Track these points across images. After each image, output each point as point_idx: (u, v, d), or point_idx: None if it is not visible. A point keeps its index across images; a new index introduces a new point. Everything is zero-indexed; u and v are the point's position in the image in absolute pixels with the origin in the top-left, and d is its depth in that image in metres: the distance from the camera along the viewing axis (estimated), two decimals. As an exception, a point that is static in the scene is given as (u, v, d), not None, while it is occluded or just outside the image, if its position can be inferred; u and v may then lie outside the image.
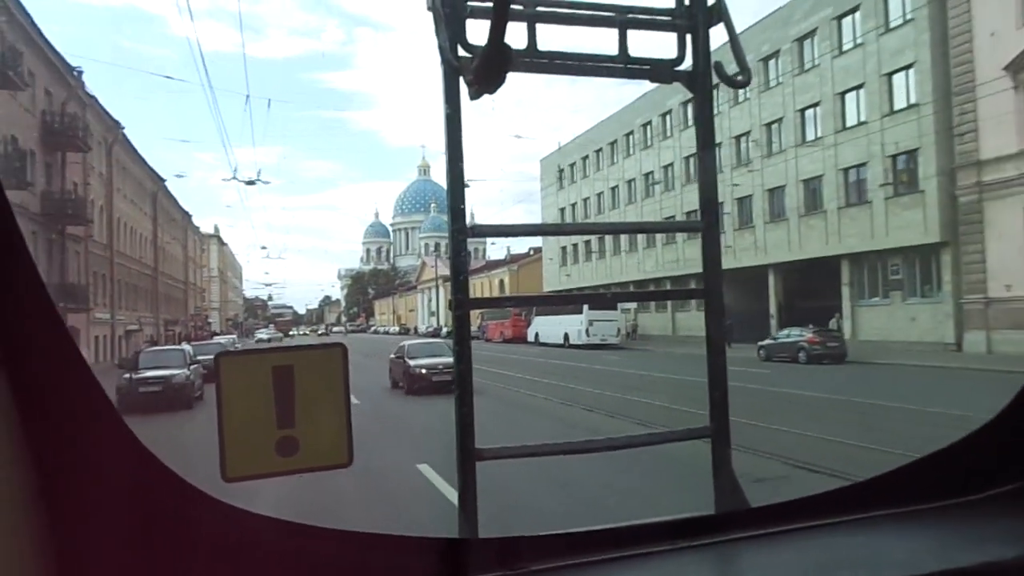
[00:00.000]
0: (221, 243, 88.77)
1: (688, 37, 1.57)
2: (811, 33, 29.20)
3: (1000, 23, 22.12)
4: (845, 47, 27.89)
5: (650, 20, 1.60)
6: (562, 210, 52.34)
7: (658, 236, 39.75)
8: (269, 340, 60.84)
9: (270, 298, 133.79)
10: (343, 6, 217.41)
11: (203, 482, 1.22)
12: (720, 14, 1.54)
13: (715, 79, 1.59)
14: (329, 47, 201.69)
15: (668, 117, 38.58)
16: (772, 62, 31.18)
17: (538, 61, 1.50)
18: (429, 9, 1.41)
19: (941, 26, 23.95)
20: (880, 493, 1.51)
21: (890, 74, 26.03)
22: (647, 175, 40.96)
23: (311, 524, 1.29)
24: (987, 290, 22.73)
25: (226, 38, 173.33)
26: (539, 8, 1.51)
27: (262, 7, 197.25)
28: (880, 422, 10.74)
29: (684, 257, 33.69)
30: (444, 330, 66.63)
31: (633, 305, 40.99)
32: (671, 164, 37.68)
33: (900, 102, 25.77)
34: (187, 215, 58.22)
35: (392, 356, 19.33)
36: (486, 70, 1.21)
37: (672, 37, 1.59)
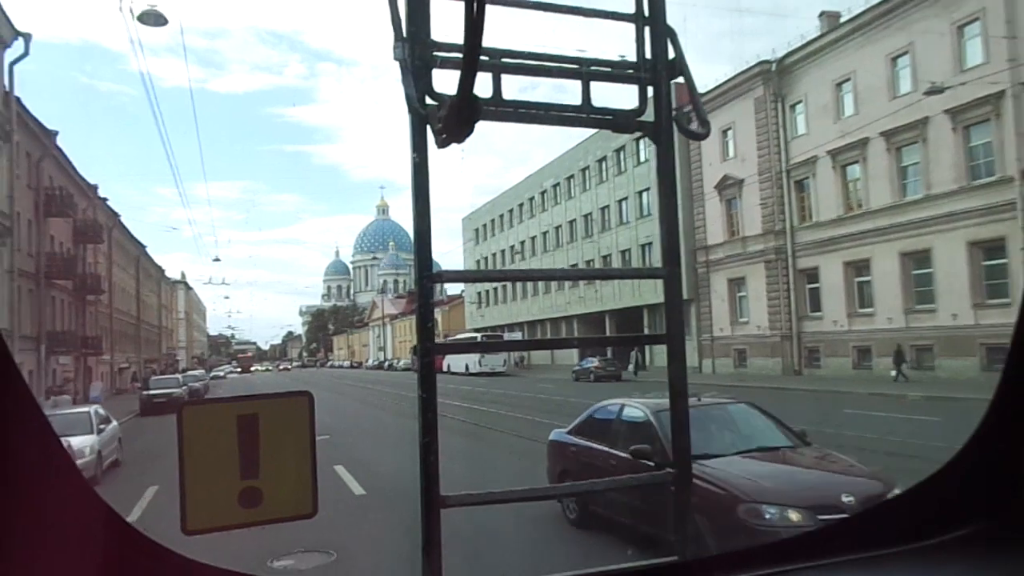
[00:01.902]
0: (187, 288, 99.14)
1: (650, 89, 1.63)
2: (622, 148, 41.88)
3: (714, 158, 34.74)
4: (643, 159, 40.54)
5: (613, 72, 1.65)
6: (480, 260, 64.45)
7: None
8: (225, 376, 68.59)
9: (233, 336, 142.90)
10: (306, 41, 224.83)
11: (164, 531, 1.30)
12: (680, 69, 1.61)
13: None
14: (291, 81, 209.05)
15: (571, 180, 50.05)
16: (602, 163, 43.82)
17: (503, 110, 1.53)
18: (396, 59, 1.43)
19: (686, 156, 36.61)
20: (842, 538, 1.58)
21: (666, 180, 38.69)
22: (557, 228, 52.90)
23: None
24: (712, 331, 35.06)
25: (186, 73, 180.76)
26: (505, 59, 1.54)
27: (222, 43, 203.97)
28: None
29: (589, 296, 45.47)
30: (387, 363, 78.57)
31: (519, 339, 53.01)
32: (573, 220, 49.55)
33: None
34: (160, 269, 69.24)
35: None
36: (455, 120, 1.24)
37: (633, 89, 1.63)
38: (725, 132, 33.94)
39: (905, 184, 25.95)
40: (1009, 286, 21.52)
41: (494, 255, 60.86)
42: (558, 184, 49.91)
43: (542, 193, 52.05)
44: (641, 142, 40.14)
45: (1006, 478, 1.41)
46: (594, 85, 1.61)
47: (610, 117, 1.64)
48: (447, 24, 1.42)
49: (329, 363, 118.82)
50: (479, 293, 63.83)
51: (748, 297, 33.00)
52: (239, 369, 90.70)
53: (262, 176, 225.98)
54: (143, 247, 55.46)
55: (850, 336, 27.60)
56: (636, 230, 40.99)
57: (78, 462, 10.37)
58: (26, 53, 24.50)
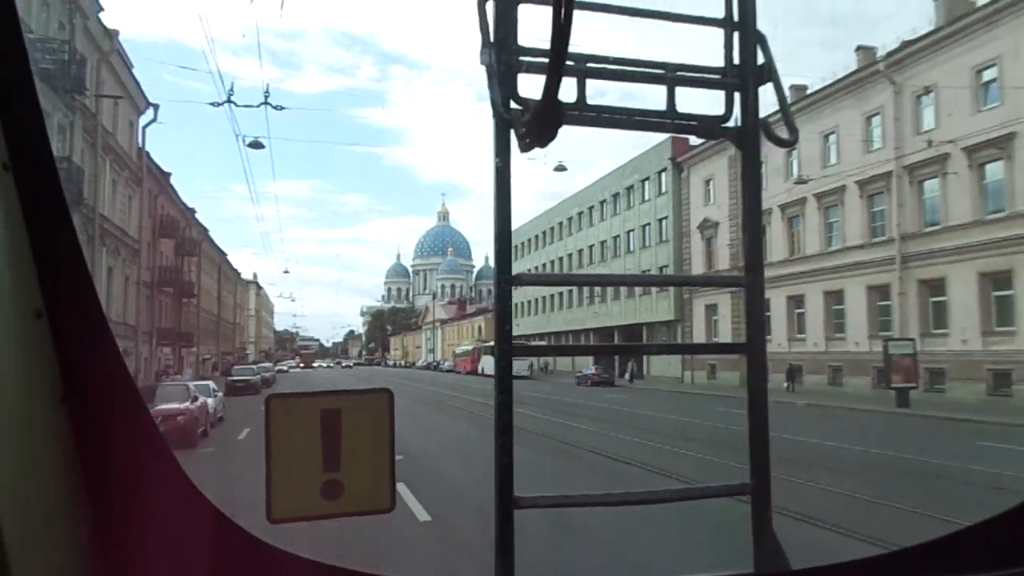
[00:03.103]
0: (258, 287, 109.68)
1: (736, 95, 1.62)
2: (631, 188, 49.09)
3: (698, 203, 41.74)
4: (648, 197, 47.63)
5: (699, 78, 1.64)
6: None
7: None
8: (288, 371, 74.95)
9: (297, 332, 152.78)
10: (379, 44, 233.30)
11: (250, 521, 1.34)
12: (769, 74, 1.60)
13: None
14: (364, 84, 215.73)
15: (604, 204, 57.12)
16: (616, 199, 51.14)
17: (587, 115, 1.55)
18: (482, 64, 1.46)
19: (679, 198, 43.64)
20: (928, 560, 1.53)
21: (660, 220, 45.78)
22: (579, 251, 60.31)
23: (354, 569, 1.39)
24: (693, 348, 42.08)
25: (265, 73, 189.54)
26: (590, 64, 1.55)
27: (299, 44, 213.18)
28: (603, 415, 29.79)
29: (602, 313, 52.68)
30: (435, 364, 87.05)
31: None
32: (592, 245, 56.94)
33: (665, 237, 45.47)
34: (237, 272, 79.19)
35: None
36: (539, 125, 1.26)
37: (720, 95, 1.63)
38: (707, 182, 41.00)
39: (830, 236, 32.77)
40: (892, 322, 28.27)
41: (527, 272, 68.45)
42: (581, 213, 57.34)
43: (569, 219, 59.53)
44: (646, 182, 47.59)
45: None
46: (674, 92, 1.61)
47: (695, 123, 1.65)
48: (532, 29, 1.42)
49: (385, 362, 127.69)
50: (516, 304, 71.63)
51: (719, 319, 39.88)
52: (301, 364, 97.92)
53: (332, 176, 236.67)
54: (224, 254, 65.13)
55: (788, 356, 34.36)
56: (639, 258, 48.05)
57: (206, 416, 17.77)
58: (155, 119, 33.37)
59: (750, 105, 1.61)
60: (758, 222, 1.68)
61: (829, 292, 32.28)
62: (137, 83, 31.78)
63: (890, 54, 29.23)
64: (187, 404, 15.43)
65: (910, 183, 28.46)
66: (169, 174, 39.56)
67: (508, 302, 1.52)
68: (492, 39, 1.46)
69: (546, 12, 1.06)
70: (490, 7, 1.47)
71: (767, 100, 1.69)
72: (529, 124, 1.31)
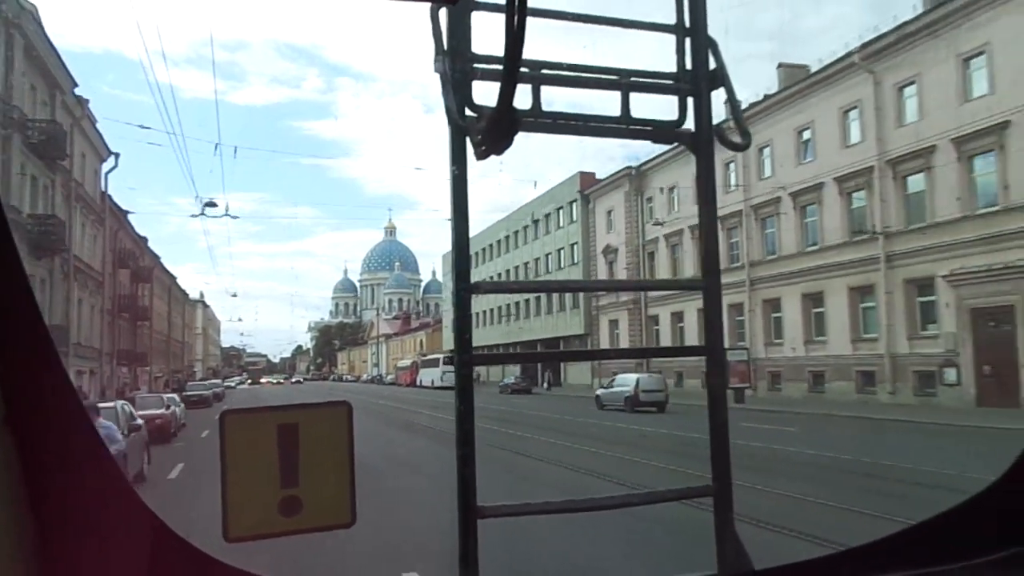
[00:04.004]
0: (204, 306, 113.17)
1: (689, 100, 1.65)
2: (548, 215, 55.29)
3: (602, 230, 48.03)
4: (562, 224, 53.83)
5: (652, 83, 1.67)
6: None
7: (543, 307, 63.07)
8: (235, 387, 74.95)
9: (244, 349, 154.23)
10: (324, 56, 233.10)
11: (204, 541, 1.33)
12: (721, 79, 1.64)
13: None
14: (309, 95, 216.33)
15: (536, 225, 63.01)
16: (537, 224, 57.27)
17: (542, 121, 1.57)
18: (436, 72, 1.46)
19: (586, 226, 49.91)
20: (884, 557, 1.57)
21: (572, 244, 52.05)
22: (507, 271, 66.17)
23: None
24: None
25: (206, 85, 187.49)
26: (544, 71, 1.58)
27: (241, 55, 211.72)
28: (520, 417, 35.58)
29: (552, 324, 58.33)
30: (379, 377, 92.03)
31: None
32: (517, 266, 62.82)
33: (577, 258, 51.72)
34: (185, 293, 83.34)
35: None
36: (494, 133, 1.28)
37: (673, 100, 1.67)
38: (609, 212, 47.36)
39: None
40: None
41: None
42: (508, 236, 63.36)
43: (497, 242, 65.51)
44: (560, 211, 53.84)
45: None
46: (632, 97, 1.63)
47: (649, 128, 1.67)
48: (486, 36, 1.45)
49: (332, 377, 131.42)
50: (453, 319, 77.22)
51: (620, 334, 46.12)
52: (249, 381, 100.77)
53: (278, 188, 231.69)
54: (174, 277, 69.49)
55: (695, 366, 40.67)
56: (557, 277, 54.14)
57: (175, 420, 23.13)
58: (116, 166, 38.26)
59: (703, 109, 1.65)
60: (714, 225, 1.72)
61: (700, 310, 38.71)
62: (100, 136, 36.69)
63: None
64: (163, 410, 20.66)
65: (756, 219, 35.02)
66: (127, 212, 44.35)
67: (467, 311, 1.52)
68: (446, 47, 1.47)
69: (500, 19, 1.08)
70: (443, 14, 1.48)
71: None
72: (484, 132, 1.32)
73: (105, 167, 38.40)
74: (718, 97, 1.66)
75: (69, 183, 30.84)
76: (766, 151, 34.07)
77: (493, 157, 1.38)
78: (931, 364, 25.82)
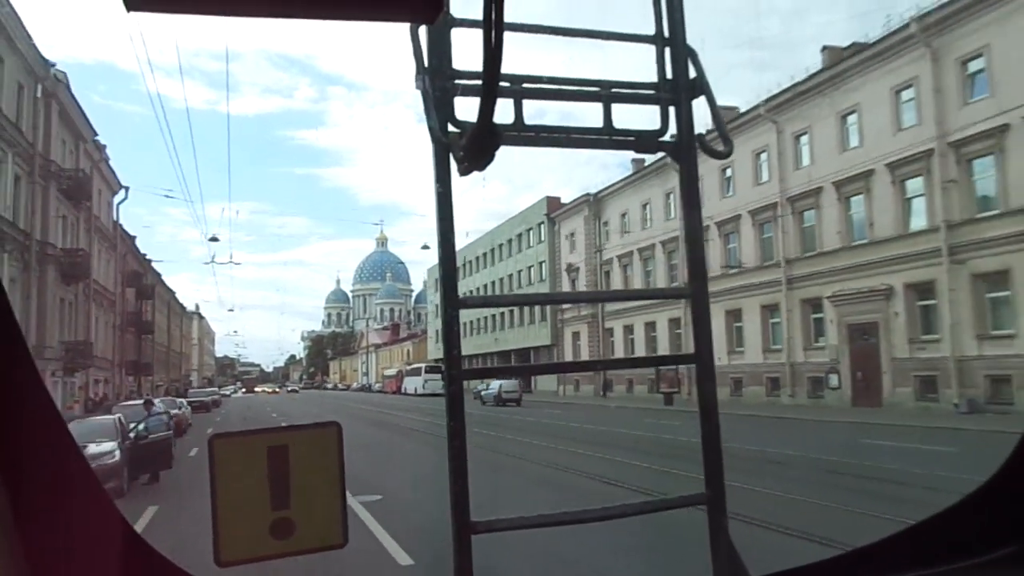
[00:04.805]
0: (200, 318, 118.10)
1: (671, 110, 1.68)
2: (520, 235, 60.58)
3: (566, 250, 53.28)
4: (532, 244, 59.08)
5: (633, 94, 1.70)
6: (435, 305, 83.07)
7: (516, 320, 68.52)
8: (230, 396, 78.15)
9: (238, 358, 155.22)
10: (317, 65, 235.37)
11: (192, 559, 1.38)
12: (701, 88, 1.66)
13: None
14: (302, 105, 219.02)
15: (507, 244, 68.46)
16: (511, 243, 62.55)
17: (525, 135, 1.59)
18: (418, 89, 1.48)
19: (552, 246, 55.15)
20: (883, 559, 1.59)
21: (540, 263, 57.33)
22: (485, 286, 71.38)
23: None
24: (564, 367, 53.51)
25: (199, 95, 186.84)
26: (526, 85, 1.60)
27: (235, 66, 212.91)
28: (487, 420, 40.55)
29: (523, 336, 63.31)
30: (368, 386, 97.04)
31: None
32: (493, 281, 68.04)
33: (545, 276, 56.98)
34: (183, 307, 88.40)
35: None
36: (475, 149, 1.29)
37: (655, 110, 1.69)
38: (571, 234, 52.65)
39: (649, 282, 44.48)
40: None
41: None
42: (487, 253, 68.60)
43: (484, 254, 70.80)
44: (531, 232, 59.11)
45: None
46: (615, 108, 1.64)
47: (632, 138, 1.68)
48: (467, 52, 1.43)
49: (323, 385, 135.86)
50: (436, 331, 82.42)
51: (581, 345, 51.31)
52: (244, 389, 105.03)
53: (271, 198, 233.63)
54: (173, 292, 74.61)
55: (632, 373, 45.78)
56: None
57: (187, 419, 28.29)
58: (126, 198, 43.41)
59: (684, 119, 1.66)
60: (699, 233, 1.74)
61: (649, 323, 43.96)
62: (113, 172, 41.84)
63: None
64: (178, 411, 25.77)
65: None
66: (134, 237, 49.51)
67: (455, 326, 1.53)
68: (427, 64, 1.48)
69: (480, 35, 1.08)
70: (423, 32, 1.48)
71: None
72: (466, 148, 1.33)
73: (117, 199, 43.60)
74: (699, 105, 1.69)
75: (90, 219, 35.95)
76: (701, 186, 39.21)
77: (476, 172, 1.39)
78: (820, 371, 31.02)
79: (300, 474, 1.29)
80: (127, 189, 43.18)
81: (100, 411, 19.96)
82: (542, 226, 57.11)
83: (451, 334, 1.54)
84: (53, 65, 27.97)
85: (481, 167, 1.34)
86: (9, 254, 24.62)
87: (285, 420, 27.04)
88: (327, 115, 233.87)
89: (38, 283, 27.01)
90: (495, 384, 41.94)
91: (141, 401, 19.33)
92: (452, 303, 1.53)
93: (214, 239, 33.18)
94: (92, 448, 11.92)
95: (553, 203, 55.27)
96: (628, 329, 46.08)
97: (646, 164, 44.00)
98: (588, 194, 50.05)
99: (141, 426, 13.74)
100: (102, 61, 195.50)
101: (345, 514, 1.34)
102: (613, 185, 47.70)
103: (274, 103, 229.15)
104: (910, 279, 27.16)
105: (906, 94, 27.32)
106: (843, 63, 29.92)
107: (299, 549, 1.29)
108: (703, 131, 1.71)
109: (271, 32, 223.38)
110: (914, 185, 27.42)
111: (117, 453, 12.57)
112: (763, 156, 34.91)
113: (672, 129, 1.69)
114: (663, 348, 42.06)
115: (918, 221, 27.30)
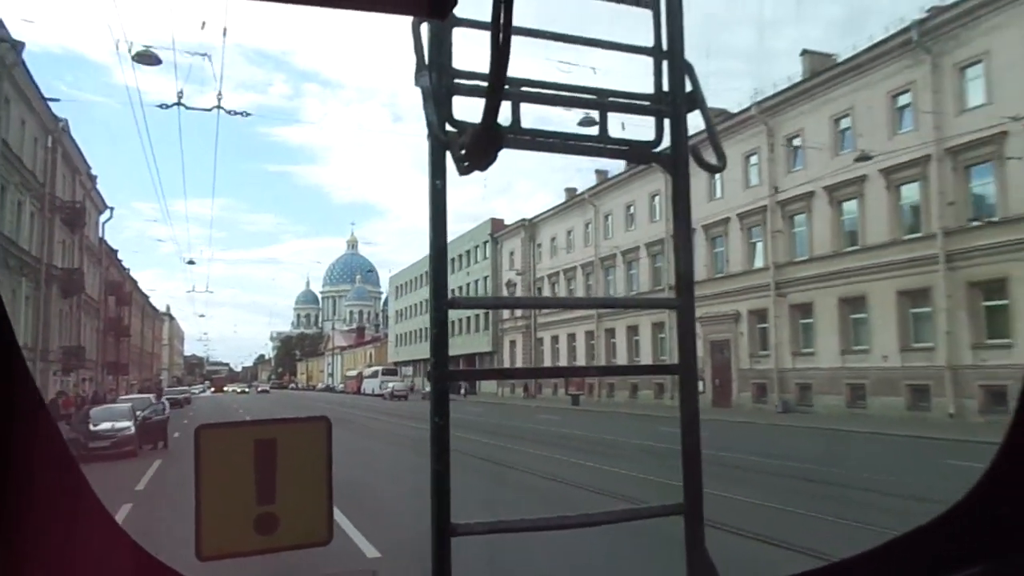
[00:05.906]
0: (171, 319, 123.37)
1: (666, 121, 1.71)
2: (468, 251, 67.57)
3: (507, 266, 60.28)
4: (478, 260, 66.01)
5: (630, 104, 1.74)
6: (396, 312, 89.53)
7: (460, 328, 75.45)
8: (198, 394, 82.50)
9: (207, 358, 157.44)
10: (292, 62, 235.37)
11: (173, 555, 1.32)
12: (697, 102, 1.70)
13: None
14: (276, 101, 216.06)
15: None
16: (462, 258, 69.50)
17: (522, 138, 1.62)
18: (418, 86, 1.49)
19: (496, 263, 62.10)
20: (869, 570, 1.60)
21: (485, 278, 64.39)
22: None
23: None
24: (503, 371, 60.53)
25: (171, 88, 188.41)
26: (525, 89, 1.63)
27: (206, 59, 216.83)
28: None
29: (469, 342, 69.72)
30: (332, 386, 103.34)
31: (410, 372, 78.56)
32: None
33: (489, 289, 63.98)
34: (155, 309, 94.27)
35: None
36: (478, 149, 1.31)
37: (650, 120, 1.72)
38: (511, 253, 59.77)
39: (632, 291, 51.62)
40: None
41: (404, 310, 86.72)
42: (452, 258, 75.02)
43: (425, 273, 77.18)
44: (477, 249, 66.13)
45: (1017, 516, 1.43)
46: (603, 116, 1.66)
47: (626, 148, 1.72)
48: (465, 52, 1.48)
49: (292, 386, 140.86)
50: (396, 335, 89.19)
51: (517, 352, 58.34)
52: (212, 388, 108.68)
53: (242, 194, 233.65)
54: (147, 296, 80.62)
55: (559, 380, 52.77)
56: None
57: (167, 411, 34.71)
58: (111, 217, 49.69)
59: (679, 131, 1.68)
60: (689, 244, 1.77)
61: (631, 327, 51.11)
62: (100, 196, 48.17)
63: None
64: (161, 407, 32.33)
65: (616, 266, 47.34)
66: (116, 250, 55.84)
67: (445, 326, 1.55)
68: (427, 61, 1.48)
69: (480, 36, 1.11)
70: (424, 29, 1.48)
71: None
72: (468, 147, 1.33)
73: (103, 218, 49.99)
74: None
75: (83, 240, 42.35)
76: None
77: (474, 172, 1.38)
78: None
79: (287, 469, 1.32)
80: (112, 209, 49.52)
81: (83, 411, 23.87)
82: (487, 244, 64.14)
83: (440, 333, 1.58)
84: (62, 121, 34.42)
85: (483, 167, 1.37)
86: (26, 277, 31.02)
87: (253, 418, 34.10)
88: (302, 112, 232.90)
89: (44, 299, 33.37)
90: (388, 381, 64.52)
91: (138, 396, 25.87)
92: (442, 302, 1.56)
93: (191, 262, 39.55)
94: (117, 424, 19.01)
95: (497, 224, 62.38)
96: (554, 339, 53.19)
97: (577, 193, 51.05)
98: (524, 219, 57.13)
99: (148, 411, 20.65)
100: (71, 50, 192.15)
101: (331, 511, 1.38)
102: (544, 212, 54.83)
103: (248, 99, 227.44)
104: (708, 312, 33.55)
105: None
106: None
107: (282, 545, 1.32)
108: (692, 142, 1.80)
109: (247, 26, 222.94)
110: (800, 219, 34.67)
111: (132, 428, 19.45)
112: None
113: (666, 141, 1.75)
114: (580, 358, 49.18)
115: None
